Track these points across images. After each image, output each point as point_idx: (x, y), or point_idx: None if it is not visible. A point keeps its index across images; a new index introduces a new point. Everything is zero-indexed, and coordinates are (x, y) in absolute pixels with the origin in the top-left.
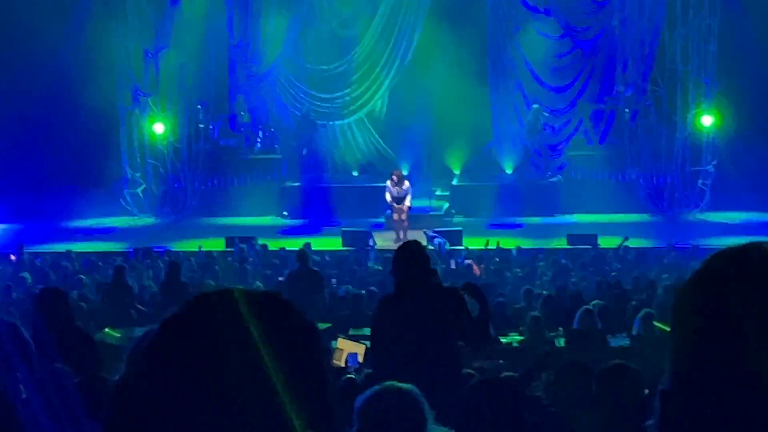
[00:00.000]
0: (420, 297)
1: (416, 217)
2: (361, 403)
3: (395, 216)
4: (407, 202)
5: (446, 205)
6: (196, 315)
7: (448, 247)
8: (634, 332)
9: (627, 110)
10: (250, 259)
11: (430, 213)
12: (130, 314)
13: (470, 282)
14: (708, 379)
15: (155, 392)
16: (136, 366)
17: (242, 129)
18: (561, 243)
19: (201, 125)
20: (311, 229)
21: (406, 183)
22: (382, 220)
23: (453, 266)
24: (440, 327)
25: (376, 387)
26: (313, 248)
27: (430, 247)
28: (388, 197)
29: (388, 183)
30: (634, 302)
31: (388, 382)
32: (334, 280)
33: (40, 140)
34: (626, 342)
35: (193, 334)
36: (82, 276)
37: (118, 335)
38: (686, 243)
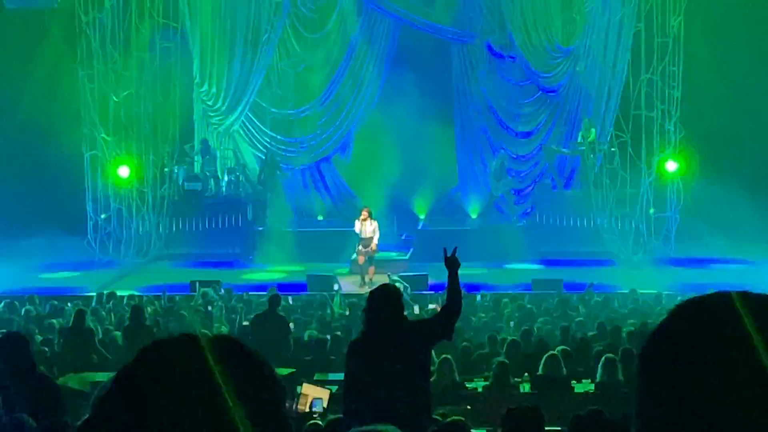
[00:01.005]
0: (391, 339)
1: (381, 261)
2: None
3: (360, 260)
4: (374, 243)
5: (411, 249)
6: (160, 360)
7: (409, 292)
8: (597, 378)
9: (592, 155)
10: (213, 303)
11: (396, 257)
12: (92, 359)
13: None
14: (676, 427)
15: None
16: (99, 412)
17: (207, 173)
18: (526, 288)
19: (166, 169)
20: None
21: (374, 222)
22: (346, 266)
23: (416, 311)
24: (411, 369)
25: (361, 428)
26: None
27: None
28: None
29: (357, 222)
30: (598, 348)
31: (372, 425)
32: (291, 325)
33: (4, 183)
34: (591, 388)
35: (155, 380)
36: (45, 320)
37: (80, 380)
38: (651, 289)
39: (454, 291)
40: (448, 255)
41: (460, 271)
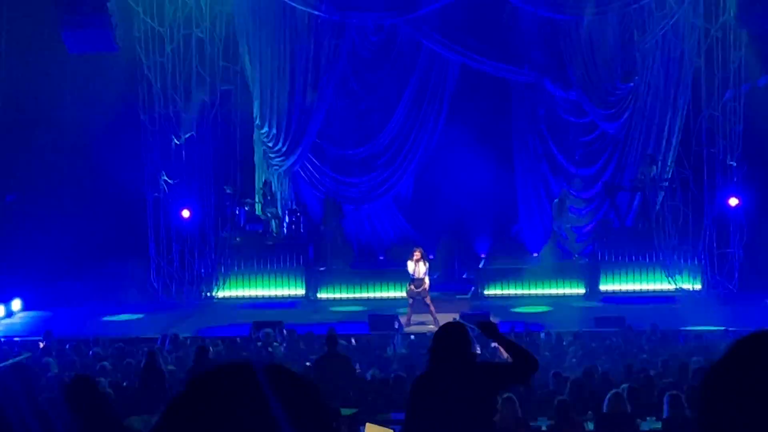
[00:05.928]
0: (458, 377)
1: (443, 300)
2: None
3: (410, 301)
4: (426, 284)
5: (473, 288)
6: (213, 388)
7: (475, 333)
8: (664, 415)
9: (653, 192)
10: (275, 343)
11: (457, 296)
12: (159, 401)
13: (483, 322)
14: None
15: None
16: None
17: (268, 214)
18: (588, 325)
19: (227, 210)
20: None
21: (426, 265)
22: (403, 310)
23: (478, 350)
24: (476, 409)
25: None
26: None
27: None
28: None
29: (409, 262)
30: (663, 385)
31: None
32: (357, 365)
33: (69, 227)
34: (657, 426)
35: (209, 407)
36: (106, 363)
37: (145, 422)
38: (716, 325)
39: (511, 350)
40: (479, 327)
41: (520, 309)
